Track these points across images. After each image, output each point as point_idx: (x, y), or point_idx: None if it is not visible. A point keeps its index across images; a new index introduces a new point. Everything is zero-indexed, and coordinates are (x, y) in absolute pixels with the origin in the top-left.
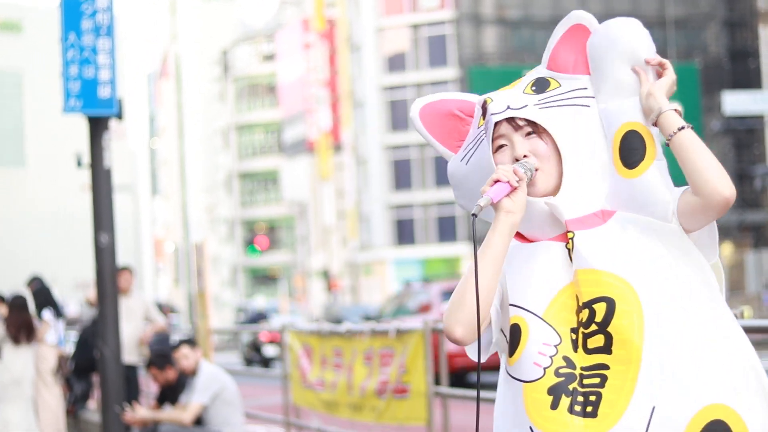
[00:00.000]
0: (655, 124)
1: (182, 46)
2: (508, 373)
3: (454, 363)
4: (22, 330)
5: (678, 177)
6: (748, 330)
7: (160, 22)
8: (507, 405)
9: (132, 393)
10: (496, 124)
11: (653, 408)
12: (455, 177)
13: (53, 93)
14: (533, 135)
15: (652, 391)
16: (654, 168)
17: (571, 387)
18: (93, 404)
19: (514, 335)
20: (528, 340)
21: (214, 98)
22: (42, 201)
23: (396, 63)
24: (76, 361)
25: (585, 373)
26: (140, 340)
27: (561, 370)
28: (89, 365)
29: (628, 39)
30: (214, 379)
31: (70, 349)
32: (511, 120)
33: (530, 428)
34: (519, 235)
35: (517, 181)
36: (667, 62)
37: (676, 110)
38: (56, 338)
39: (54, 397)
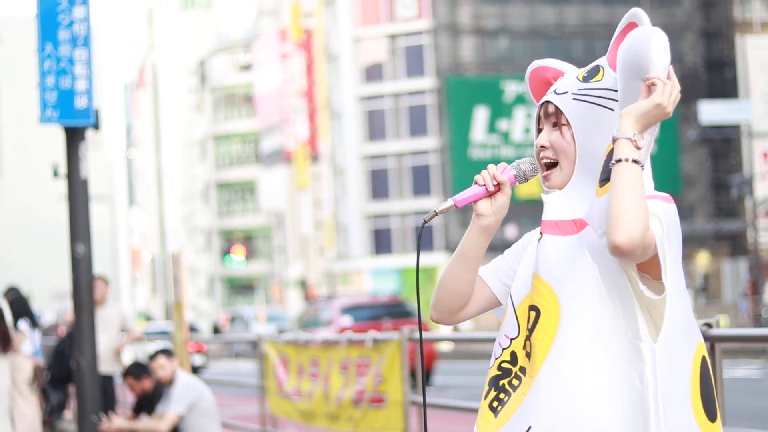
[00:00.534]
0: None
1: (159, 56)
2: None
3: None
4: None
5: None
6: (725, 339)
7: (137, 32)
8: None
9: (108, 403)
10: (543, 104)
11: (529, 427)
12: None
13: (30, 103)
14: (563, 125)
15: (533, 411)
16: None
17: (501, 383)
18: (69, 414)
19: None
20: (501, 328)
21: (191, 108)
22: (18, 211)
23: (373, 73)
24: (53, 371)
25: (518, 372)
26: (116, 350)
27: (503, 365)
28: (65, 375)
29: (643, 51)
30: (190, 388)
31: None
32: (549, 104)
33: None
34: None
35: (495, 185)
36: (660, 83)
37: (632, 140)
38: (32, 348)
39: (30, 408)
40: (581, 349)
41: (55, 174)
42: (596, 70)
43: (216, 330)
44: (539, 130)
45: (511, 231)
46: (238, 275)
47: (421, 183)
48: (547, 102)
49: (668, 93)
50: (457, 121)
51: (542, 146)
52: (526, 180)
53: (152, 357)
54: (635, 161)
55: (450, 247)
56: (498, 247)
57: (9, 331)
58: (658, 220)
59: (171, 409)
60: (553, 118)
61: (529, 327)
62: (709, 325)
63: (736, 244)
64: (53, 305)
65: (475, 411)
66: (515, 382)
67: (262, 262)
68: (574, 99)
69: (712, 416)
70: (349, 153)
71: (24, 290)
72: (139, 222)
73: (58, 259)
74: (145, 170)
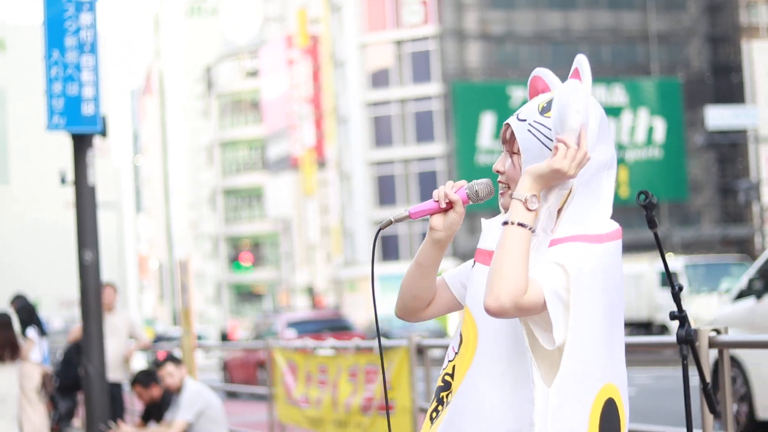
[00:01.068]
0: None
1: (166, 62)
2: None
3: None
4: (6, 348)
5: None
6: (732, 345)
7: (143, 38)
8: None
9: (117, 411)
10: (506, 125)
11: None
12: None
13: (37, 110)
14: (514, 153)
15: (447, 428)
16: None
17: (441, 395)
18: (78, 422)
19: None
20: (453, 336)
21: (198, 115)
22: (26, 218)
23: (379, 79)
24: (61, 379)
25: (456, 387)
26: (125, 357)
27: (446, 377)
28: (74, 383)
29: (562, 108)
30: (198, 396)
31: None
32: (509, 127)
33: None
34: None
35: (447, 203)
36: (562, 148)
37: (523, 202)
38: (40, 356)
39: (39, 415)
40: (485, 387)
41: (63, 181)
42: (551, 106)
43: (224, 337)
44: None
45: None
46: (246, 282)
47: (427, 189)
48: (508, 125)
49: (570, 158)
50: (464, 127)
51: (497, 170)
52: (480, 200)
53: (160, 365)
54: (521, 224)
55: None
56: None
57: (17, 339)
58: (563, 272)
59: (179, 416)
60: (509, 145)
61: (456, 351)
62: (718, 332)
63: (743, 249)
64: (61, 313)
65: None
66: (450, 397)
67: (269, 268)
68: (528, 130)
69: None
70: (356, 159)
71: (31, 298)
72: (147, 229)
73: (66, 266)
74: (152, 177)
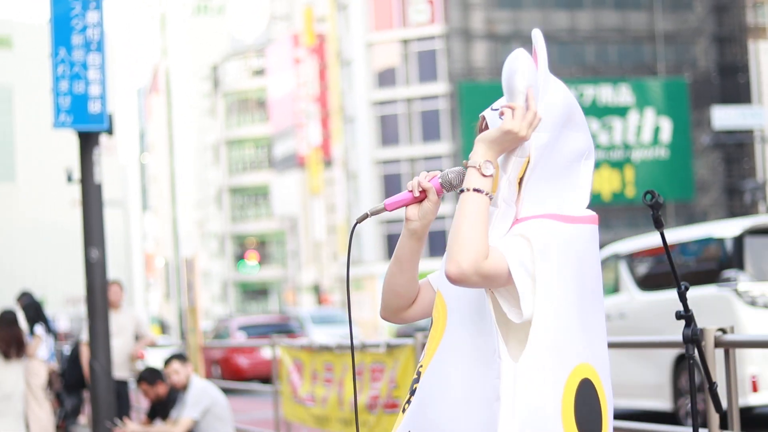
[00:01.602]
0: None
1: (172, 61)
2: None
3: None
4: (12, 345)
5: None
6: (738, 344)
7: (150, 37)
8: None
9: (123, 408)
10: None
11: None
12: None
13: (43, 108)
14: None
15: (412, 417)
16: None
17: (414, 386)
18: (84, 420)
19: None
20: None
21: (204, 113)
22: (32, 216)
23: (386, 78)
24: (67, 376)
25: (425, 369)
26: (131, 355)
27: (420, 369)
28: (80, 381)
29: (508, 74)
30: (204, 394)
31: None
32: (484, 118)
33: None
34: None
35: (421, 192)
36: (508, 111)
37: (477, 168)
38: (47, 353)
39: (45, 413)
40: (453, 364)
41: (69, 179)
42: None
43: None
44: None
45: None
46: (252, 280)
47: None
48: (483, 116)
49: (519, 117)
50: (470, 126)
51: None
52: (454, 188)
53: (166, 362)
54: (477, 190)
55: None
56: None
57: (23, 336)
58: (527, 244)
59: (185, 414)
60: None
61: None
62: (724, 331)
63: None
64: (67, 310)
65: None
66: (416, 387)
67: (276, 267)
68: (499, 117)
69: None
70: (362, 158)
71: (38, 295)
72: (153, 227)
73: (72, 264)
74: (158, 175)
